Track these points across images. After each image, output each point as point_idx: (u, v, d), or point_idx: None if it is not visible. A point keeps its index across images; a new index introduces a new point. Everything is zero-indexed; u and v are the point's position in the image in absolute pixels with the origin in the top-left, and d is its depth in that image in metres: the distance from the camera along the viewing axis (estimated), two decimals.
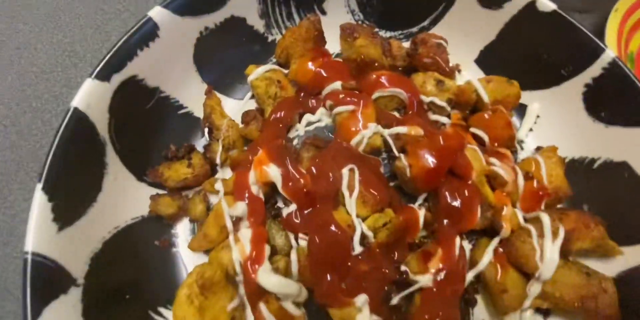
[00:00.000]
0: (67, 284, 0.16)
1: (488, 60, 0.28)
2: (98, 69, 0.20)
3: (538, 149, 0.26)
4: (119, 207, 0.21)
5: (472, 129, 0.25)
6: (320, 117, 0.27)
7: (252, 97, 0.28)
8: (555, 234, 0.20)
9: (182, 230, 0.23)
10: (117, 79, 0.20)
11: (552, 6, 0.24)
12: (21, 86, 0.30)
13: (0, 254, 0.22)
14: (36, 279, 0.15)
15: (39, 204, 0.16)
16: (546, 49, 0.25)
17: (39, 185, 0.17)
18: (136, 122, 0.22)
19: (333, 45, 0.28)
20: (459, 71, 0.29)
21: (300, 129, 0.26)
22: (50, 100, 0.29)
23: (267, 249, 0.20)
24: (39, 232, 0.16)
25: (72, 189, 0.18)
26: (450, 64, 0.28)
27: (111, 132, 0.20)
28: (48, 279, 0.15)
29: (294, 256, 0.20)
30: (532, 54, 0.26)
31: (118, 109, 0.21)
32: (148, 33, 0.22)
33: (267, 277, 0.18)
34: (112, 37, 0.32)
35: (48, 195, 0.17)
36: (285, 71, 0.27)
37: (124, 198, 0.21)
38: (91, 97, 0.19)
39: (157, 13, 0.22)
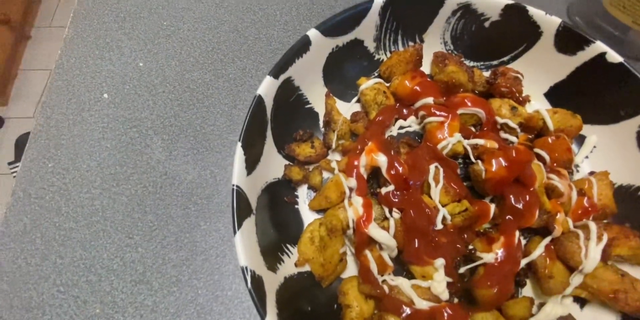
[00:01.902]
0: (249, 211, 0.23)
1: (556, 95, 0.32)
2: (273, 69, 0.27)
3: (591, 173, 0.30)
4: (269, 168, 0.27)
5: (536, 150, 0.30)
6: (410, 124, 0.32)
7: (357, 101, 0.34)
8: (599, 238, 0.24)
9: (301, 194, 0.30)
10: (282, 77, 0.27)
11: (620, 59, 0.28)
12: (181, 71, 0.38)
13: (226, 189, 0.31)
14: (238, 201, 0.22)
15: (239, 155, 0.23)
16: (609, 92, 0.29)
17: (239, 144, 0.23)
18: (283, 110, 0.29)
19: (424, 67, 0.34)
20: (529, 101, 0.33)
21: (394, 131, 0.32)
22: (201, 84, 0.37)
23: (373, 213, 0.25)
24: (239, 174, 0.23)
25: (252, 149, 0.25)
26: (524, 94, 0.33)
27: (272, 115, 0.27)
28: (243, 204, 0.22)
29: (392, 223, 0.25)
30: (596, 95, 0.30)
31: (278, 99, 0.27)
32: (304, 47, 0.28)
33: (376, 230, 0.24)
34: (249, 41, 0.39)
35: (244, 150, 0.23)
36: (387, 84, 0.33)
37: (270, 163, 0.28)
38: (267, 88, 0.26)
39: (312, 33, 0.28)
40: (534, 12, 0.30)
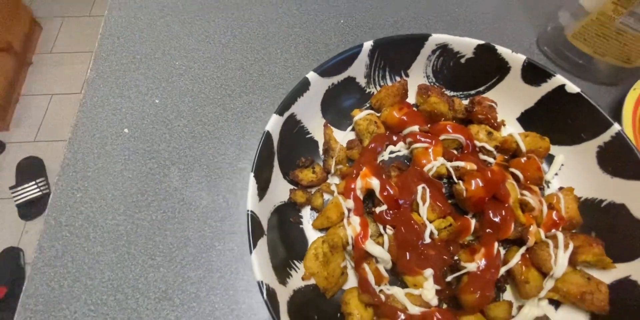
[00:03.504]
0: (262, 232, 0.29)
1: (527, 120, 0.39)
2: (279, 108, 0.33)
3: (560, 188, 0.36)
4: (276, 193, 0.33)
5: (511, 169, 0.36)
6: (399, 149, 0.39)
7: (352, 130, 0.40)
8: (566, 246, 0.30)
9: (305, 215, 0.35)
10: (286, 114, 0.34)
11: (577, 89, 0.35)
12: (194, 106, 0.45)
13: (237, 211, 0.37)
14: (253, 224, 0.27)
15: (252, 184, 0.29)
16: (571, 118, 0.36)
17: (252, 174, 0.29)
18: (288, 141, 0.35)
19: (410, 98, 0.41)
20: (504, 125, 0.40)
21: (385, 155, 0.38)
22: (212, 118, 0.44)
23: (369, 231, 0.31)
24: (252, 200, 0.28)
25: (262, 178, 0.31)
26: (498, 120, 0.39)
27: (278, 146, 0.34)
28: (257, 226, 0.28)
29: (386, 238, 0.31)
30: (560, 120, 0.37)
31: (282, 133, 0.34)
32: (304, 87, 0.35)
33: (372, 246, 0.30)
34: (253, 77, 0.47)
35: (256, 179, 0.29)
36: (378, 114, 0.40)
37: (278, 188, 0.34)
38: (274, 125, 0.33)
39: (311, 75, 0.35)
40: (502, 50, 0.38)
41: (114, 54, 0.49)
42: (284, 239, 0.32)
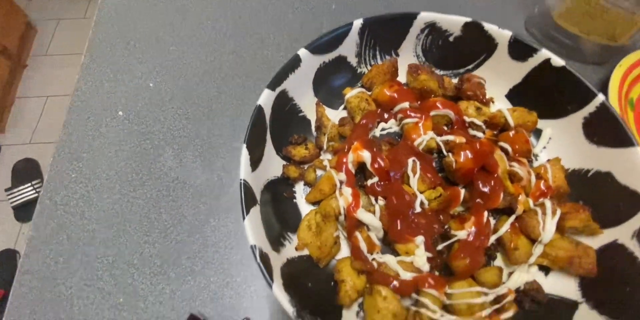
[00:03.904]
0: (254, 201, 0.29)
1: (515, 96, 0.40)
2: (270, 83, 0.34)
3: (548, 161, 0.36)
4: (269, 168, 0.34)
5: (500, 143, 0.37)
6: (390, 126, 0.39)
7: (344, 108, 0.41)
8: (554, 213, 0.31)
9: (298, 190, 0.36)
10: (278, 90, 0.34)
11: (562, 63, 0.36)
12: (188, 89, 0.45)
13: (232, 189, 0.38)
14: (246, 192, 0.28)
15: (245, 155, 0.29)
16: (557, 91, 0.37)
17: (244, 145, 0.30)
18: (280, 117, 0.36)
19: (401, 77, 0.42)
20: (493, 102, 0.41)
21: (376, 132, 0.39)
22: (206, 99, 0.44)
23: (361, 201, 0.31)
24: (245, 170, 0.29)
25: (255, 150, 0.31)
26: (487, 97, 0.40)
27: (270, 122, 0.34)
28: (249, 194, 0.28)
29: (377, 208, 0.31)
30: (547, 94, 0.37)
31: (275, 108, 0.34)
32: (296, 63, 0.36)
33: (364, 214, 0.30)
34: (247, 61, 0.47)
35: (248, 151, 0.30)
36: (369, 93, 0.40)
37: (270, 163, 0.34)
38: (266, 99, 0.33)
39: (302, 52, 0.36)
40: (489, 27, 0.38)
41: (108, 40, 0.49)
42: (277, 212, 0.33)
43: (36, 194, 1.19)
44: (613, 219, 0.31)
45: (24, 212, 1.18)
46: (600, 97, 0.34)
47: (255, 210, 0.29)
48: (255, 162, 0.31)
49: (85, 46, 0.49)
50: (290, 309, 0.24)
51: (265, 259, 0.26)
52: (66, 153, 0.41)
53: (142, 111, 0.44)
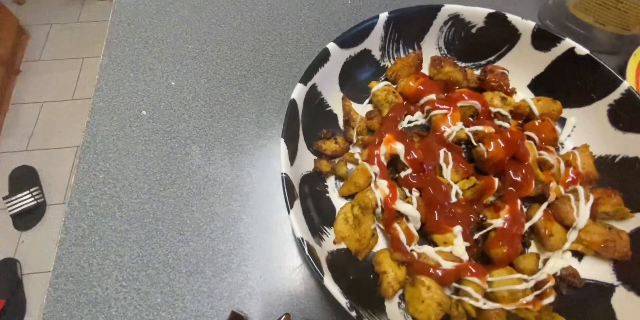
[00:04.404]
0: (295, 195, 0.29)
1: (538, 86, 0.40)
2: (302, 77, 0.34)
3: (574, 148, 0.37)
4: (303, 162, 0.34)
5: (526, 132, 0.37)
6: (417, 118, 0.40)
7: (369, 102, 0.41)
8: (587, 198, 0.31)
9: (330, 184, 0.36)
10: (309, 84, 0.34)
11: (586, 51, 0.36)
12: (210, 87, 0.45)
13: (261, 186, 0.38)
14: (288, 186, 0.28)
15: (283, 149, 0.30)
16: (581, 80, 0.37)
17: (282, 140, 0.30)
18: (310, 112, 0.36)
19: (424, 70, 0.42)
20: (516, 93, 0.41)
21: (403, 125, 0.39)
22: (229, 97, 0.44)
23: (398, 192, 0.32)
24: (285, 164, 0.29)
25: (291, 144, 0.31)
26: (510, 87, 0.40)
27: (303, 116, 0.34)
28: (291, 188, 0.28)
29: (414, 199, 0.32)
30: (570, 83, 0.38)
31: (306, 102, 0.34)
32: (325, 57, 0.36)
33: (402, 205, 0.31)
34: (267, 57, 0.47)
35: (286, 144, 0.30)
36: (394, 86, 0.41)
37: (303, 158, 0.34)
38: (299, 93, 0.33)
39: (331, 46, 0.36)
40: (512, 18, 0.39)
41: (125, 40, 0.49)
42: (314, 206, 0.33)
43: (35, 202, 1.17)
44: None
45: (23, 220, 1.16)
46: (626, 84, 0.34)
47: (297, 204, 0.29)
48: (292, 157, 0.31)
49: (101, 47, 0.48)
50: (343, 301, 0.24)
51: (312, 252, 0.26)
52: (92, 154, 0.40)
53: (165, 110, 0.43)
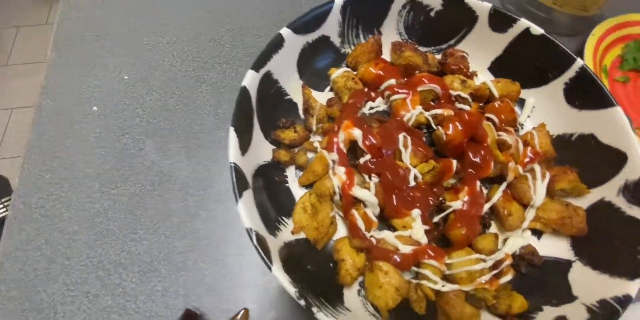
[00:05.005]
0: (247, 185, 0.28)
1: (497, 68, 0.41)
2: (254, 64, 0.33)
3: (534, 128, 0.37)
4: (258, 152, 0.33)
5: (487, 114, 0.37)
6: (379, 104, 0.39)
7: (330, 90, 0.41)
8: (543, 176, 0.31)
9: (290, 174, 0.35)
10: (262, 71, 0.33)
11: (541, 31, 0.37)
12: (166, 80, 0.43)
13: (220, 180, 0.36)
14: (237, 175, 0.27)
15: (233, 138, 0.28)
16: (537, 60, 0.37)
17: (232, 128, 0.29)
18: (266, 100, 0.35)
19: (384, 56, 0.42)
20: (476, 75, 0.41)
21: (365, 111, 0.39)
22: (186, 90, 0.43)
23: (355, 178, 0.31)
24: (234, 153, 0.28)
25: (243, 133, 0.30)
26: (470, 70, 0.40)
27: (256, 104, 0.33)
28: (241, 178, 0.27)
29: (372, 185, 0.31)
30: (528, 63, 0.38)
31: (260, 91, 0.33)
32: (279, 43, 0.35)
33: (359, 190, 0.30)
34: (226, 48, 0.46)
35: (237, 133, 0.29)
36: (355, 72, 0.40)
37: (260, 148, 0.33)
38: (250, 81, 0.32)
39: (285, 31, 0.35)
40: (469, 0, 0.39)
41: (76, 34, 0.47)
42: (270, 197, 0.32)
43: (7, 212, 1.12)
44: (599, 178, 0.32)
45: None
46: (580, 62, 0.35)
47: (249, 194, 0.28)
48: (244, 146, 0.30)
49: (51, 38, 0.46)
50: (292, 290, 0.24)
51: (262, 242, 0.26)
52: (38, 154, 0.38)
53: (118, 105, 0.42)
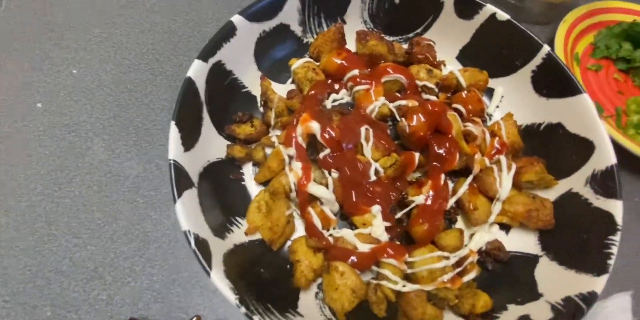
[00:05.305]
0: (190, 184, 0.26)
1: (465, 57, 0.39)
2: (201, 53, 0.31)
3: (503, 117, 0.36)
4: (209, 148, 0.31)
5: (454, 105, 0.36)
6: (342, 96, 0.37)
7: (292, 82, 0.39)
8: (509, 167, 0.30)
9: (247, 171, 0.33)
10: (211, 61, 0.31)
11: (507, 16, 0.35)
12: (118, 74, 0.41)
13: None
14: (177, 174, 0.25)
15: (174, 132, 0.26)
16: (505, 47, 0.36)
17: (173, 122, 0.27)
18: (219, 93, 0.33)
19: (350, 46, 0.40)
20: (445, 65, 0.40)
21: (328, 104, 0.37)
22: (139, 84, 0.40)
23: (312, 174, 0.29)
24: (174, 148, 0.26)
25: (188, 128, 0.28)
26: (438, 60, 0.39)
27: (206, 97, 0.31)
28: (182, 176, 0.25)
29: (330, 181, 0.29)
30: (495, 51, 0.37)
31: (210, 82, 0.31)
32: (230, 32, 0.33)
33: (315, 187, 0.28)
34: (183, 39, 0.43)
35: (178, 128, 0.27)
36: (317, 63, 0.38)
37: (211, 143, 0.31)
38: (197, 71, 0.30)
39: (236, 19, 0.33)
40: None
41: (21, 26, 0.43)
42: (222, 196, 0.30)
43: None
44: (567, 169, 0.30)
45: None
46: (546, 48, 0.33)
47: (191, 194, 0.26)
48: (189, 142, 0.28)
49: None
50: (232, 297, 0.22)
51: (202, 245, 0.24)
52: None
53: (65, 101, 0.39)
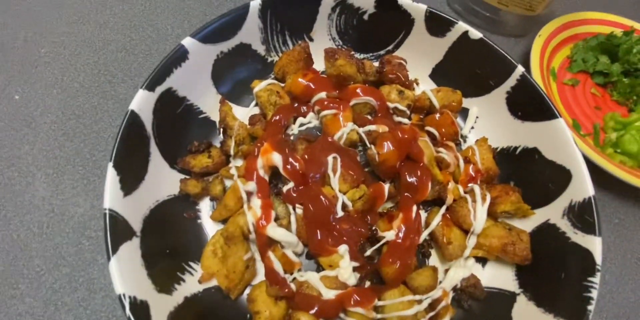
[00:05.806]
0: (130, 234, 0.23)
1: (439, 75, 0.38)
2: (147, 82, 0.28)
3: (476, 142, 0.34)
4: (159, 186, 0.28)
5: (427, 128, 0.34)
6: (310, 120, 0.35)
7: (256, 105, 0.36)
8: (483, 198, 0.28)
9: (204, 207, 0.30)
10: (159, 90, 0.29)
11: (479, 35, 0.34)
12: (65, 98, 0.37)
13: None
14: (112, 225, 0.22)
15: (111, 176, 0.24)
16: (478, 66, 0.35)
17: (110, 164, 0.24)
18: (170, 123, 0.30)
19: (319, 64, 0.38)
20: (417, 84, 0.38)
21: (294, 129, 0.34)
22: (89, 109, 0.37)
23: (272, 213, 0.27)
24: (112, 195, 0.23)
25: (130, 168, 0.25)
26: (411, 79, 0.37)
27: (154, 129, 0.28)
28: (119, 227, 0.23)
29: (293, 219, 0.27)
30: (469, 70, 0.35)
31: (159, 112, 0.29)
32: (181, 56, 0.30)
33: (274, 230, 0.26)
34: (139, 58, 0.40)
35: (117, 171, 0.24)
36: (282, 84, 0.36)
37: (161, 180, 0.29)
38: (141, 102, 0.27)
39: (188, 41, 0.30)
40: (403, 1, 0.35)
41: None
42: (171, 239, 0.27)
43: None
44: (543, 198, 0.29)
45: None
46: (520, 69, 0.32)
47: (130, 246, 0.23)
48: (131, 183, 0.25)
49: None
50: None
51: (141, 309, 0.21)
52: None
53: (5, 131, 0.35)
